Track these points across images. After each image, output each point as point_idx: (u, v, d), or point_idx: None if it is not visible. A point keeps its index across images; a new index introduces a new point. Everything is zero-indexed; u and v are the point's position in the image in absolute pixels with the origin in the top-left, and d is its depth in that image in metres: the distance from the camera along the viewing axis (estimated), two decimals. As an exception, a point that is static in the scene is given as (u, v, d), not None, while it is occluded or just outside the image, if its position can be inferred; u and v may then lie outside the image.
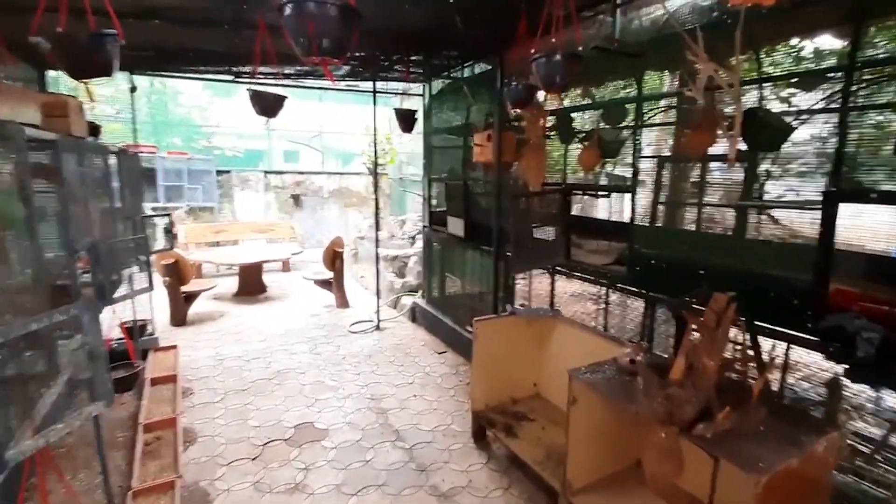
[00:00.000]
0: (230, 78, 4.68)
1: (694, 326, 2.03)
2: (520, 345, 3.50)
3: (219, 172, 9.11)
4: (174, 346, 4.78)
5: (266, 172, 9.45)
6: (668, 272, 2.75)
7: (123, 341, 4.13)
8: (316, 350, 5.07)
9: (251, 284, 7.13)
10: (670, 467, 1.94)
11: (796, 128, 2.64)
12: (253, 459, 3.16)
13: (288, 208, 9.65)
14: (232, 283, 7.36)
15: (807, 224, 2.34)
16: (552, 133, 4.46)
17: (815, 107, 2.49)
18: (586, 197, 6.20)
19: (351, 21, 1.63)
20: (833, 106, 2.36)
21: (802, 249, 2.31)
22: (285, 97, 2.77)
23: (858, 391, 3.05)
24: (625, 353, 2.45)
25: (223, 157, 10.86)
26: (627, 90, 3.39)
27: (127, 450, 3.29)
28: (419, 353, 5.01)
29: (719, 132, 2.38)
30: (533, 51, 2.15)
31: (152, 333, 4.83)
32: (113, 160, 3.48)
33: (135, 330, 3.82)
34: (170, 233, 4.00)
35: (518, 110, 3.06)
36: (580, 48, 2.29)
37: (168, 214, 4.17)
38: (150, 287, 3.47)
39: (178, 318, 5.82)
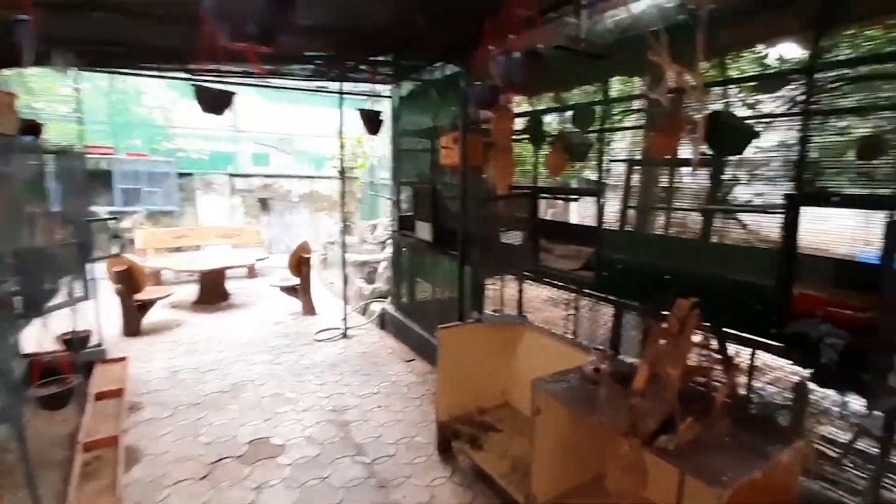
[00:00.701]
0: (186, 76, 4.46)
1: (658, 334, 1.96)
2: (487, 352, 3.40)
3: (181, 175, 8.77)
4: (123, 359, 4.49)
5: (231, 175, 9.15)
6: (635, 277, 2.70)
7: (62, 354, 3.84)
8: (277, 360, 4.85)
9: (213, 292, 6.84)
10: (634, 481, 1.86)
11: (760, 132, 2.64)
12: (201, 479, 2.96)
13: (255, 213, 9.36)
14: (193, 291, 7.05)
15: (770, 228, 2.31)
16: (523, 137, 4.41)
17: (779, 111, 2.49)
18: (559, 202, 6.18)
19: (282, 5, 1.50)
20: (795, 111, 2.36)
21: (766, 254, 2.29)
22: (233, 93, 2.61)
23: (825, 395, 3.06)
24: (589, 362, 2.37)
25: (187, 159, 10.46)
26: (595, 94, 3.35)
27: (65, 470, 3.04)
28: (386, 362, 4.86)
29: (683, 135, 2.34)
30: (492, 49, 2.06)
31: (100, 345, 4.53)
32: (52, 161, 3.24)
33: (74, 342, 3.55)
34: (117, 238, 3.74)
35: (483, 111, 2.97)
36: (541, 47, 2.22)
37: (115, 218, 3.91)
38: (87, 296, 3.22)
39: (132, 328, 5.51)
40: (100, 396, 3.81)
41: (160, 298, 5.96)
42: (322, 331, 5.66)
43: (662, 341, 1.98)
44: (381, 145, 8.52)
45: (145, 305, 5.74)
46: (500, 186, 3.33)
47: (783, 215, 2.03)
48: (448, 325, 3.23)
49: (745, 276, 2.25)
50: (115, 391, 3.88)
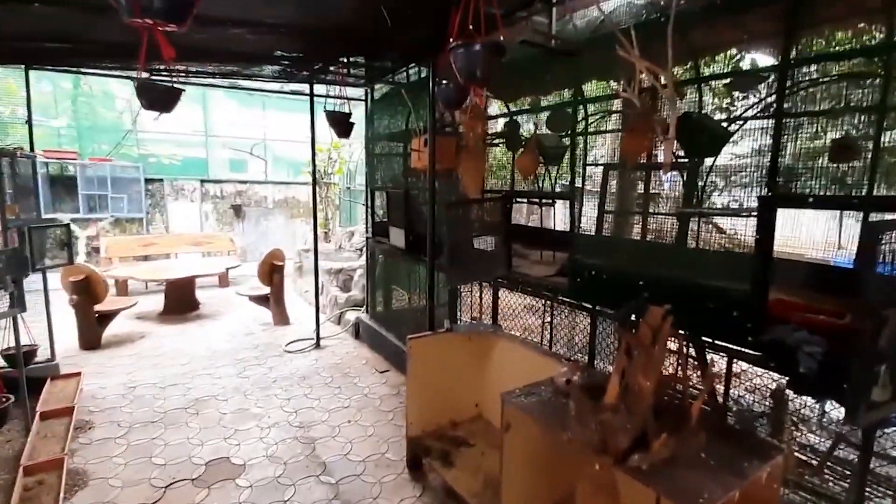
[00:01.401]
0: (143, 75, 4.26)
1: (629, 344, 1.85)
2: (459, 363, 3.26)
3: (150, 181, 8.47)
4: (77, 374, 4.24)
5: (203, 181, 8.88)
6: (609, 283, 2.60)
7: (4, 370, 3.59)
8: (244, 373, 4.63)
9: (181, 302, 6.57)
10: (606, 502, 1.74)
11: (733, 133, 2.58)
12: (150, 505, 2.74)
13: (228, 220, 9.09)
14: (161, 301, 6.76)
15: (745, 232, 2.24)
16: (499, 140, 4.32)
17: (752, 113, 2.43)
18: (537, 208, 6.11)
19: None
20: (766, 114, 2.29)
21: (741, 258, 2.20)
22: (181, 90, 2.43)
23: (803, 402, 3.00)
24: (561, 373, 2.25)
25: (159, 165, 10.14)
26: (570, 98, 3.26)
27: (6, 495, 2.80)
28: (359, 373, 4.68)
29: (656, 136, 2.26)
30: (452, 41, 1.95)
31: (52, 359, 4.26)
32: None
33: (15, 357, 3.30)
34: (68, 246, 3.52)
35: (453, 112, 2.86)
36: (503, 41, 2.12)
37: (66, 225, 3.68)
38: (17, 307, 2.98)
39: (90, 341, 5.22)
40: (46, 416, 3.56)
41: (123, 309, 5.69)
42: (293, 342, 5.46)
43: (634, 351, 1.87)
44: (359, 150, 8.37)
45: (106, 317, 5.46)
46: (472, 190, 3.22)
47: (758, 218, 1.95)
48: (418, 334, 3.08)
49: (720, 282, 2.16)
50: (64, 409, 3.63)
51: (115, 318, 5.60)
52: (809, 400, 2.98)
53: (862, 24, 2.34)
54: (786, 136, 2.29)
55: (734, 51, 2.69)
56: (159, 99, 2.34)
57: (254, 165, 11.70)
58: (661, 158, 2.46)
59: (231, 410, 3.90)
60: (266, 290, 6.08)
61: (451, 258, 2.85)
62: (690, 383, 2.10)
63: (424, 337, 3.11)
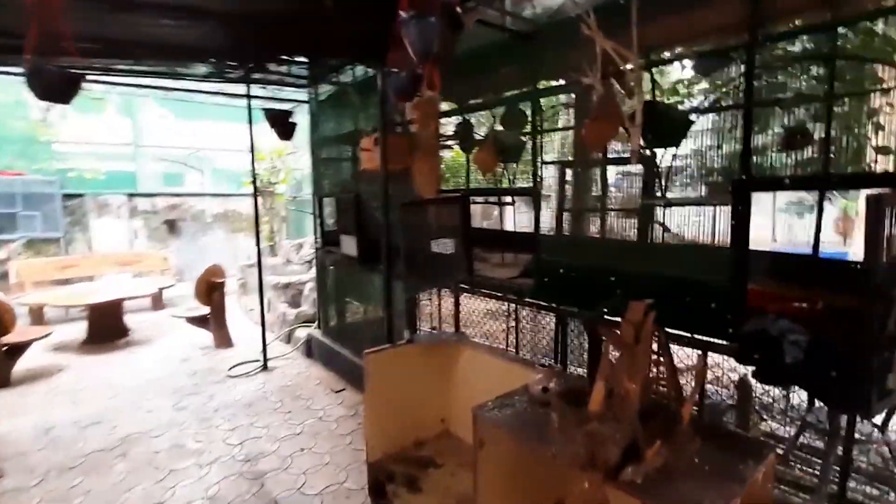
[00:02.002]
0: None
1: (611, 344, 1.69)
2: (422, 376, 3.02)
3: (69, 197, 7.65)
4: (-25, 419, 3.62)
5: (131, 195, 8.14)
6: (578, 282, 2.46)
7: None
8: (180, 404, 4.15)
9: (106, 328, 5.90)
10: (598, 524, 1.55)
11: (695, 120, 2.53)
12: (61, 573, 2.29)
13: (161, 236, 8.38)
14: (84, 329, 6.05)
15: (715, 222, 2.16)
16: (453, 142, 4.15)
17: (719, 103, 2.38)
18: (496, 212, 5.98)
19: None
20: (732, 99, 2.25)
21: (715, 250, 2.12)
22: (81, 75, 2.06)
23: (766, 389, 2.98)
24: (536, 380, 2.07)
25: (80, 179, 9.24)
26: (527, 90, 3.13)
27: None
28: (312, 395, 4.31)
29: (620, 123, 2.14)
30: (401, 12, 1.75)
31: (-59, 404, 3.62)
32: None
33: None
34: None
35: (404, 107, 2.65)
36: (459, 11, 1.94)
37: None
38: None
39: (-5, 379, 4.54)
40: (-70, 473, 2.98)
41: (36, 340, 5.00)
42: (237, 365, 4.99)
43: (616, 353, 1.71)
44: (306, 158, 7.97)
45: (16, 349, 4.77)
46: (427, 190, 3.01)
47: (733, 204, 1.86)
48: (375, 348, 2.81)
49: (696, 274, 2.06)
50: (-45, 464, 3.05)
51: (27, 350, 4.91)
52: (774, 389, 2.98)
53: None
54: (757, 121, 2.25)
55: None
56: (54, 87, 1.97)
57: (194, 178, 10.95)
58: (627, 146, 2.35)
59: (165, 448, 3.44)
60: (205, 310, 5.56)
61: (408, 264, 2.62)
62: (676, 384, 1.98)
63: (382, 351, 2.84)
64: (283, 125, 3.88)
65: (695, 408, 2.52)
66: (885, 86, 2.37)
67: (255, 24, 3.12)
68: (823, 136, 2.41)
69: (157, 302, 7.33)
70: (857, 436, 2.66)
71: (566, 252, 2.60)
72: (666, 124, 2.33)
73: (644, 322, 1.68)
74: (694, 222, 2.47)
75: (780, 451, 3.06)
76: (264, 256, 8.36)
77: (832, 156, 2.31)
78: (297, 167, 8.45)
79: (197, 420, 3.85)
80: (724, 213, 2.17)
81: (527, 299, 2.65)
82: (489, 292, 2.99)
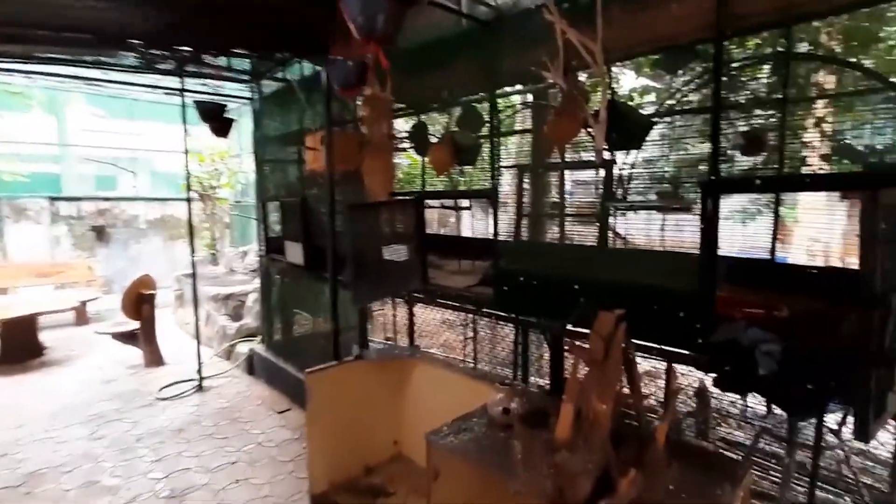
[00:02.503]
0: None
1: (579, 361, 1.52)
2: (373, 395, 2.76)
3: (-23, 200, 6.83)
4: None
5: (53, 199, 7.37)
6: (539, 291, 2.29)
7: None
8: (98, 433, 3.67)
9: (18, 347, 5.23)
10: (568, 568, 1.36)
11: (656, 122, 2.44)
12: None
13: (88, 244, 7.63)
14: (-12, 348, 5.34)
15: (686, 225, 2.06)
16: (407, 144, 3.94)
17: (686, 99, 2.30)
18: (452, 216, 5.79)
19: None
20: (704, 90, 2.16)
21: (682, 256, 2.01)
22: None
23: (721, 395, 2.93)
24: (496, 400, 1.87)
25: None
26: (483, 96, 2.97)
27: None
28: (253, 417, 3.94)
29: (584, 119, 2.00)
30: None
31: None
32: None
33: None
34: None
35: (353, 102, 2.41)
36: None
37: None
38: None
39: None
40: None
41: (-76, 364, 4.33)
42: (169, 385, 4.52)
43: (584, 369, 1.54)
44: (251, 161, 7.50)
45: None
46: (379, 192, 2.78)
47: (702, 206, 1.75)
48: (318, 367, 2.53)
49: (662, 281, 1.94)
50: None
51: (-88, 376, 4.24)
52: (732, 396, 2.94)
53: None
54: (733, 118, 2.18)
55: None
56: None
57: (134, 181, 10.11)
58: (590, 147, 2.22)
59: (77, 485, 2.99)
60: (134, 324, 5.03)
61: (355, 272, 2.37)
62: (645, 401, 1.84)
63: (326, 370, 2.57)
64: (216, 120, 3.52)
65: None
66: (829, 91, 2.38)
67: (183, 8, 2.80)
68: (777, 141, 2.41)
69: (82, 316, 6.63)
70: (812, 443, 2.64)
71: (526, 259, 2.43)
72: (629, 124, 2.22)
73: (614, 334, 1.53)
74: (658, 227, 2.39)
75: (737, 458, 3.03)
76: (205, 265, 7.83)
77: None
78: (241, 170, 7.96)
79: (116, 451, 3.39)
80: (690, 218, 2.07)
81: (485, 310, 2.47)
82: (445, 302, 2.79)
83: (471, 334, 3.16)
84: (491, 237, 2.55)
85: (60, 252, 7.41)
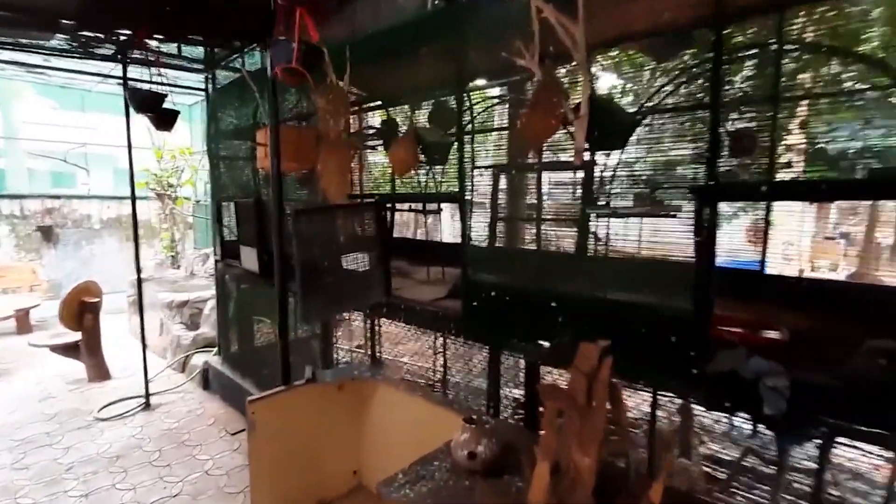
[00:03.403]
0: None
1: (556, 406, 1.26)
2: (328, 422, 2.47)
3: None
4: None
5: (-9, 197, 6.81)
6: (512, 307, 2.03)
7: None
8: (23, 461, 3.26)
9: (-58, 361, 4.73)
10: None
11: (641, 120, 2.21)
12: None
13: (34, 245, 7.08)
14: None
15: (667, 230, 1.82)
16: (376, 143, 3.64)
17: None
18: (421, 218, 5.50)
19: None
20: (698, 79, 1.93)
21: (674, 268, 1.78)
22: None
23: (705, 412, 2.74)
24: (461, 441, 1.60)
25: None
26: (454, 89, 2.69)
27: None
28: (202, 439, 3.58)
29: (563, 115, 1.75)
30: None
31: None
32: None
33: None
34: None
35: (293, 82, 2.10)
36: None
37: None
38: None
39: None
40: None
41: None
42: (111, 404, 4.11)
43: (561, 415, 1.28)
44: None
45: None
46: (334, 193, 2.48)
47: (696, 214, 1.51)
48: (262, 394, 2.22)
49: (650, 297, 1.70)
50: None
51: None
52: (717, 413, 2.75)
53: None
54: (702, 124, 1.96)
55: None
56: None
57: (92, 180, 9.44)
58: (569, 146, 1.97)
59: (-15, 528, 2.61)
60: (75, 336, 4.59)
61: (304, 285, 2.07)
62: (636, 447, 1.60)
63: (273, 396, 2.25)
64: (153, 109, 3.14)
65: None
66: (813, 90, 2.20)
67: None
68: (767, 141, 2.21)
69: (24, 325, 6.11)
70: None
71: (497, 268, 2.17)
72: (613, 122, 1.98)
73: (598, 370, 1.27)
74: (640, 231, 2.16)
75: (721, 476, 2.85)
76: (164, 268, 7.36)
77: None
78: (203, 167, 7.50)
79: (41, 483, 3.00)
80: (674, 223, 1.84)
81: (453, 327, 2.20)
82: (409, 317, 2.50)
83: (438, 352, 2.88)
84: (460, 240, 2.29)
85: (1, 254, 6.85)
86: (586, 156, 2.15)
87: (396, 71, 2.96)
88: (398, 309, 2.55)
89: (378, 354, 2.95)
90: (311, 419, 2.39)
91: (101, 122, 8.91)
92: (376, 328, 2.87)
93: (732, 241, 2.73)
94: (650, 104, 2.02)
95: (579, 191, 2.14)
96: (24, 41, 3.64)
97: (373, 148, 3.81)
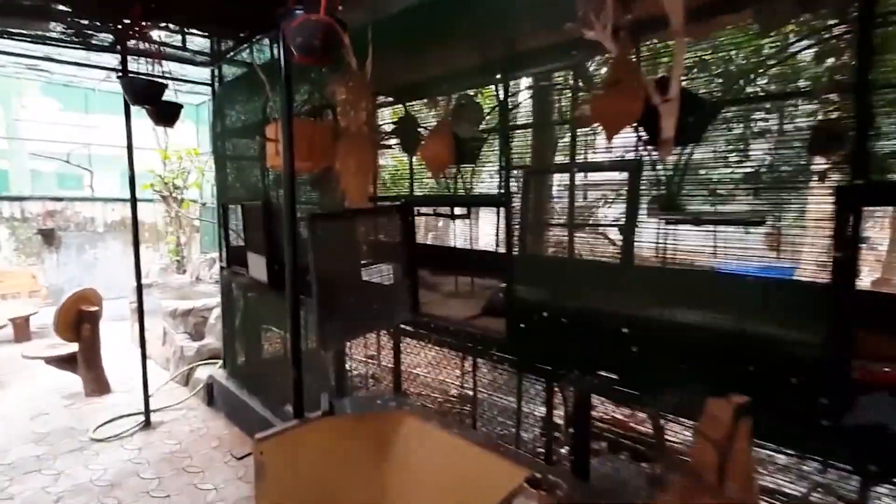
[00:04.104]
0: None
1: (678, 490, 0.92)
2: (349, 460, 2.13)
3: None
4: None
5: (-8, 199, 6.59)
6: (572, 329, 1.69)
7: None
8: (10, 489, 2.96)
9: (-67, 373, 4.46)
10: None
11: (723, 108, 1.87)
12: None
13: (35, 249, 6.84)
14: None
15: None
16: (394, 142, 3.33)
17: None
18: (442, 222, 5.15)
19: None
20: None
21: (786, 285, 1.43)
22: None
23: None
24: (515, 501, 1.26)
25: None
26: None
27: None
28: (206, 464, 3.27)
29: (643, 98, 1.41)
30: None
31: None
32: None
33: None
34: None
35: (312, 64, 1.78)
36: None
37: None
38: None
39: None
40: None
41: None
42: (109, 422, 3.81)
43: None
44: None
45: None
46: (355, 195, 2.15)
47: (836, 221, 1.17)
48: (271, 431, 1.89)
49: (762, 327, 1.35)
50: None
51: None
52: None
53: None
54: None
55: None
56: None
57: (98, 181, 9.20)
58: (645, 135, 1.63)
59: (-41, 573, 2.30)
60: (71, 347, 4.31)
61: (322, 305, 1.75)
62: None
63: (284, 433, 1.92)
64: (152, 102, 2.84)
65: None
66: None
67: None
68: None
69: (22, 333, 5.84)
70: None
71: (554, 283, 1.83)
72: (695, 107, 1.64)
73: (734, 436, 0.93)
74: (749, 247, 1.77)
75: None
76: (169, 273, 7.09)
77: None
78: (210, 168, 7.24)
79: (25, 518, 2.70)
80: (811, 237, 1.49)
81: (495, 355, 1.86)
82: (441, 339, 2.17)
83: (471, 375, 2.53)
84: (498, 250, 1.96)
85: (1, 258, 6.61)
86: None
87: (421, 59, 2.64)
88: (427, 328, 2.22)
89: (401, 379, 2.62)
90: (327, 457, 2.06)
91: (105, 123, 8.68)
92: (399, 348, 2.54)
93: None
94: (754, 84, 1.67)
95: (643, 190, 1.80)
96: (20, 30, 3.38)
97: (388, 146, 3.49)
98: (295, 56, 1.68)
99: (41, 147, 8.03)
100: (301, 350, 2.11)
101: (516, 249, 1.88)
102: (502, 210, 1.85)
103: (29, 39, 3.54)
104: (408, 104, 3.09)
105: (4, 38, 3.49)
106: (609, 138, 1.43)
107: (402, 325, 2.29)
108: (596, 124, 1.50)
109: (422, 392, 3.09)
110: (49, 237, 6.88)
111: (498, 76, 2.04)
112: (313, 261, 1.73)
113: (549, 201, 2.06)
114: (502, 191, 1.83)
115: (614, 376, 1.54)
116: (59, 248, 7.00)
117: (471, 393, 2.49)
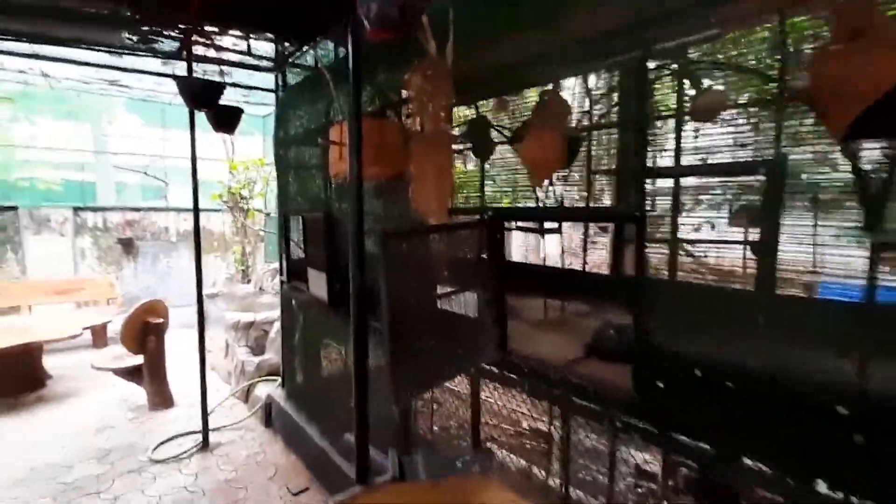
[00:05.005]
0: None
1: None
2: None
3: (-1, 210, 6.42)
4: None
5: (77, 209, 6.91)
6: (731, 397, 1.19)
7: None
8: (64, 515, 2.85)
9: (14, 378, 4.59)
10: None
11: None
12: None
13: (115, 258, 7.12)
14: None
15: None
16: (466, 146, 2.95)
17: None
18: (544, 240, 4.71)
19: None
20: None
21: None
22: None
23: None
24: None
25: (32, 190, 8.08)
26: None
27: None
28: (261, 497, 3.01)
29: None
30: None
31: None
32: None
33: None
34: None
35: (388, 38, 1.42)
36: None
37: None
38: None
39: None
40: None
41: None
42: (168, 440, 3.68)
43: None
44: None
45: None
46: (434, 208, 1.77)
47: None
48: (341, 498, 1.53)
49: None
50: None
51: None
52: None
53: None
54: None
55: None
56: None
57: (174, 191, 9.64)
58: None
59: None
60: (137, 360, 4.27)
61: (395, 348, 1.37)
62: None
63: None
64: (209, 105, 2.63)
65: None
66: None
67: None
68: None
69: (100, 338, 6.02)
70: None
71: (698, 321, 1.35)
72: None
73: None
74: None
75: None
76: (235, 283, 7.12)
77: None
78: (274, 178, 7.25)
79: (76, 551, 2.54)
80: None
81: (617, 419, 1.40)
82: (534, 388, 1.72)
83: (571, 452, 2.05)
84: (634, 272, 1.48)
85: (85, 267, 6.92)
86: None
87: (513, 45, 2.22)
88: (517, 371, 1.79)
89: (480, 434, 2.20)
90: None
91: (180, 136, 9.05)
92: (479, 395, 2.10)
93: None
94: None
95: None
96: (89, 40, 3.36)
97: (458, 152, 3.11)
98: (368, 32, 1.32)
99: (123, 160, 8.44)
100: (367, 405, 1.74)
101: (650, 273, 1.41)
102: (629, 225, 1.39)
103: (104, 49, 3.53)
104: (478, 104, 2.69)
105: (82, 47, 3.50)
106: (845, 122, 0.93)
107: (485, 366, 1.87)
108: (821, 97, 1.00)
109: (504, 443, 2.64)
110: (128, 246, 7.14)
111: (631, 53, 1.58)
112: (385, 292, 1.36)
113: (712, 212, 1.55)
114: (631, 202, 1.37)
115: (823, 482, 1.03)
116: (137, 257, 7.26)
117: (567, 461, 2.01)
